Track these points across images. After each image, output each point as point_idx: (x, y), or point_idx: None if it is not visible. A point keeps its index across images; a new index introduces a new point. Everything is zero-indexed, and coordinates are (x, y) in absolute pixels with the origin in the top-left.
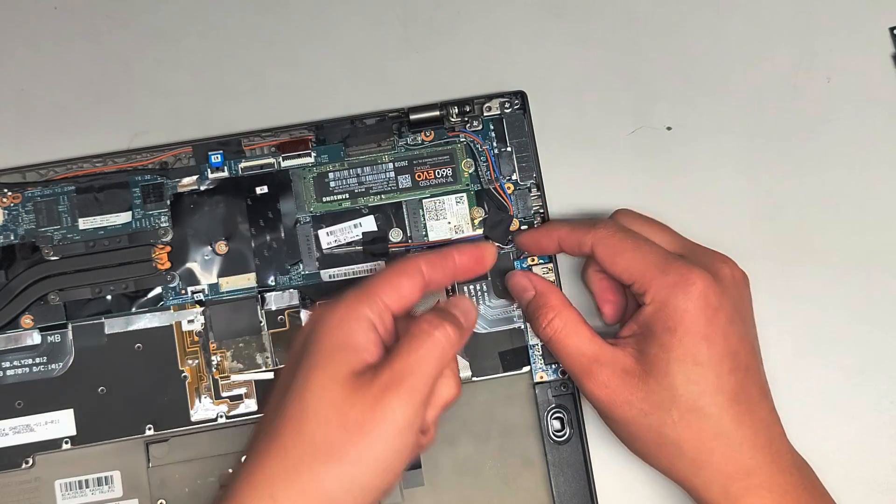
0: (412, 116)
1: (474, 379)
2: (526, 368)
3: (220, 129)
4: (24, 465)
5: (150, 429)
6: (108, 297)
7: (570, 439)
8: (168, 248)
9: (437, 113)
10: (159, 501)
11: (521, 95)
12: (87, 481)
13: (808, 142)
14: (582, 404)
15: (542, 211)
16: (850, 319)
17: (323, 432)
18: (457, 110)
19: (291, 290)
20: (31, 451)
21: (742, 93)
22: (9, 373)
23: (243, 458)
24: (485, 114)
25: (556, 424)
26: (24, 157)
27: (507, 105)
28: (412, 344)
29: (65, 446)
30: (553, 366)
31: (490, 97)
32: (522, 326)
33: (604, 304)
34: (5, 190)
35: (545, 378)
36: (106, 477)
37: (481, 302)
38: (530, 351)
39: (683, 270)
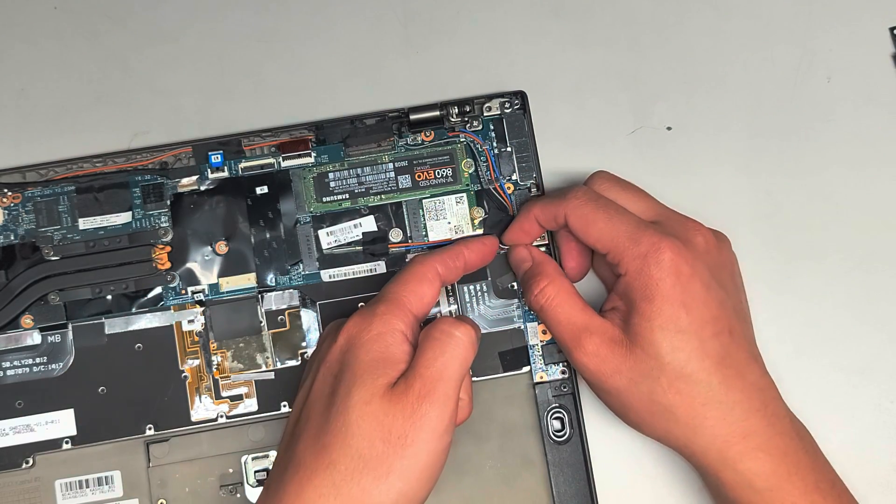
0: (412, 116)
1: (474, 379)
2: (526, 368)
3: (220, 130)
4: (24, 465)
5: (150, 429)
6: (109, 297)
7: (570, 439)
8: (168, 248)
9: (437, 113)
10: (160, 501)
11: (521, 95)
12: (87, 481)
13: (808, 141)
14: (582, 404)
15: None
16: (850, 319)
17: (369, 447)
18: (457, 110)
19: (291, 290)
20: (31, 451)
21: (742, 93)
22: (9, 373)
23: (273, 465)
24: (485, 114)
25: (556, 424)
26: (24, 157)
27: (507, 105)
28: (436, 348)
29: (65, 446)
30: (553, 366)
31: (490, 97)
32: (522, 326)
33: (567, 261)
34: (5, 190)
35: (545, 378)
36: (106, 477)
37: (481, 302)
38: (530, 351)
39: (655, 240)
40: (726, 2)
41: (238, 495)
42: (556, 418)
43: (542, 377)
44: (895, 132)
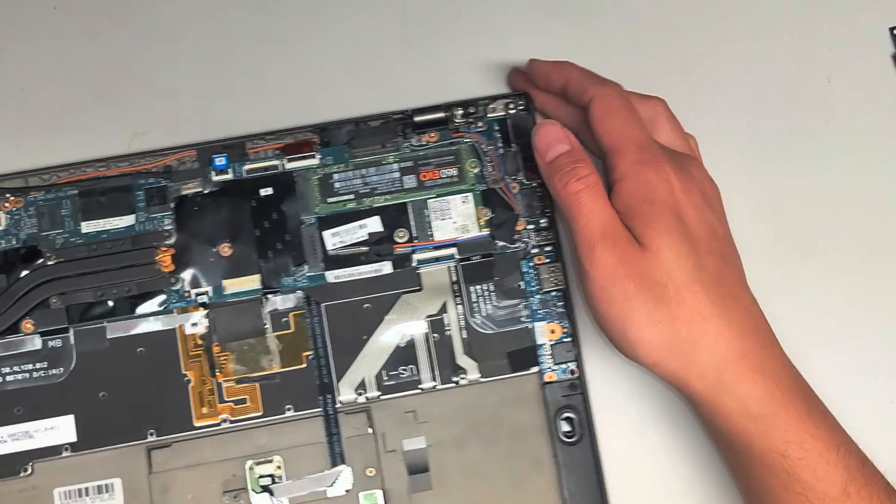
0: (416, 118)
1: (482, 380)
2: (535, 369)
3: (222, 131)
4: (22, 473)
5: (152, 434)
6: (111, 301)
7: (581, 440)
8: (172, 251)
9: (441, 115)
10: None
11: (526, 96)
12: (86, 489)
13: (808, 141)
14: (590, 406)
15: (548, 211)
16: (849, 319)
17: None
18: (461, 111)
19: (296, 291)
20: (29, 459)
21: (742, 93)
22: (9, 378)
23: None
24: (489, 115)
25: (566, 426)
26: (26, 159)
27: (511, 106)
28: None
29: (65, 453)
30: (563, 365)
31: (494, 98)
32: (530, 326)
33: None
34: (7, 195)
35: (555, 378)
36: (107, 485)
37: (488, 301)
38: (539, 350)
39: (658, 153)
40: (726, 2)
41: (241, 502)
42: (565, 419)
43: (551, 377)
44: (895, 132)
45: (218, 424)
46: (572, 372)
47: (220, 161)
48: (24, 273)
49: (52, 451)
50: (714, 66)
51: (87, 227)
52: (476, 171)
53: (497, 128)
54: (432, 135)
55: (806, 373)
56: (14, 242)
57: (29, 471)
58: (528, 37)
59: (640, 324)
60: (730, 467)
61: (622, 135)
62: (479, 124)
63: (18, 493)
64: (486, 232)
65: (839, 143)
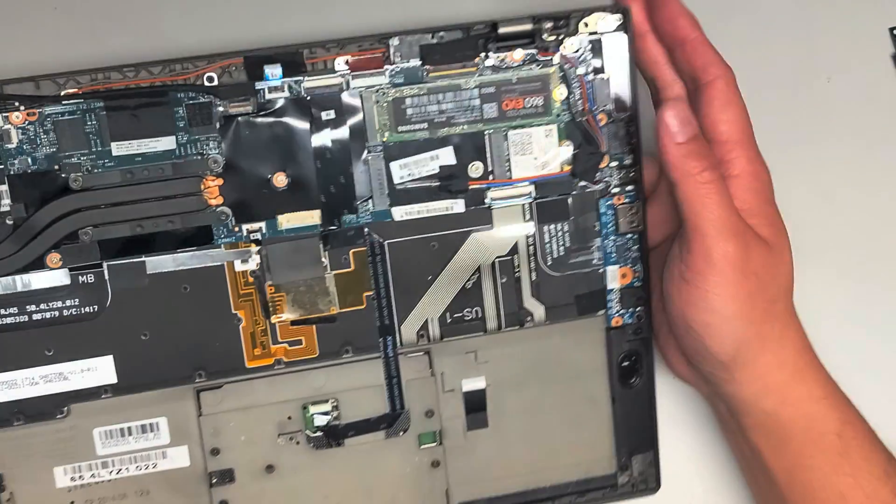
0: (501, 30)
1: (548, 323)
2: (601, 312)
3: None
4: (59, 416)
5: (200, 376)
6: (150, 234)
7: (639, 384)
8: (220, 181)
9: (529, 27)
10: (213, 448)
11: (624, 12)
12: (129, 429)
13: (808, 142)
14: (653, 350)
15: (633, 147)
16: (849, 319)
17: None
18: (550, 24)
19: (360, 229)
20: (65, 401)
21: (742, 93)
22: (35, 316)
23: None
24: (580, 31)
25: (627, 369)
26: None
27: (607, 23)
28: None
29: (105, 395)
30: (630, 310)
31: (589, 11)
32: (602, 270)
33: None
34: (17, 104)
35: (620, 323)
36: (151, 424)
37: (561, 243)
38: (608, 295)
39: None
40: (726, 2)
41: (298, 443)
42: (626, 364)
43: (617, 322)
44: (895, 132)
45: (271, 367)
46: (639, 317)
47: (272, 74)
48: (44, 201)
49: (91, 394)
50: None
51: (118, 149)
52: (562, 99)
53: (589, 47)
54: (518, 53)
55: None
56: (30, 163)
57: (66, 412)
58: None
59: (753, 321)
60: (768, 465)
61: (744, 128)
62: (570, 43)
63: (55, 434)
64: (566, 171)
65: (839, 143)
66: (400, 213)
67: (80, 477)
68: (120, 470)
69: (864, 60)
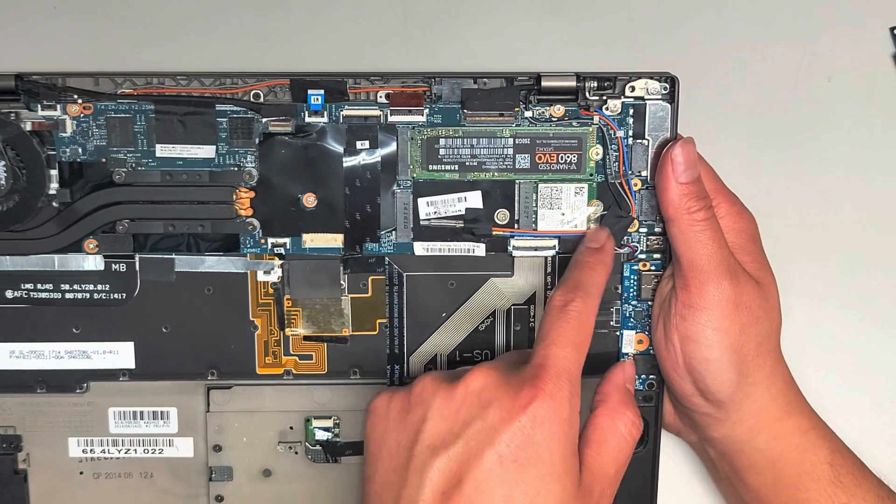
0: (544, 83)
1: None
2: None
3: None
4: (78, 390)
5: (213, 374)
6: (182, 234)
7: (643, 452)
8: (252, 194)
9: (572, 83)
10: (216, 445)
11: (672, 81)
12: (142, 413)
13: (808, 141)
14: (661, 420)
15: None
16: (849, 319)
17: None
18: (595, 84)
19: (381, 257)
20: (86, 378)
21: (742, 93)
22: (67, 296)
23: None
24: (626, 94)
25: None
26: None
27: (654, 90)
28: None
29: (122, 378)
30: (643, 377)
31: (637, 76)
32: (618, 333)
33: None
34: (75, 96)
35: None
36: (163, 412)
37: None
38: (621, 359)
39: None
40: (726, 2)
41: (297, 454)
42: None
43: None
44: (895, 132)
45: (280, 376)
46: (650, 385)
47: (315, 99)
48: (89, 190)
49: (109, 375)
50: (714, 65)
51: (162, 150)
52: (598, 159)
53: (631, 112)
54: (558, 109)
55: (805, 373)
56: (80, 153)
57: (85, 388)
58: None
59: (747, 355)
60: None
61: (717, 180)
62: (613, 104)
63: (73, 406)
64: (593, 227)
65: (839, 143)
66: (421, 248)
67: (91, 451)
68: (129, 450)
69: (864, 60)
